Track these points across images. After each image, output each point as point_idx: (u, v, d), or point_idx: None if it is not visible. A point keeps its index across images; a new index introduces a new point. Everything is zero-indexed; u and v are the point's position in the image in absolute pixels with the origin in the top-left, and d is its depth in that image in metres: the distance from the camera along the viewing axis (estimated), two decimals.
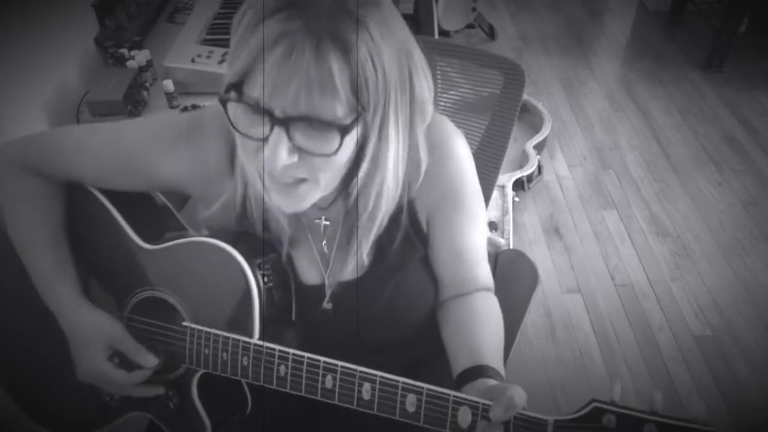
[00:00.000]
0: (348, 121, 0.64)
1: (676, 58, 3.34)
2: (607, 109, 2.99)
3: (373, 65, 0.62)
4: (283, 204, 0.72)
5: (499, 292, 0.91)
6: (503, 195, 2.22)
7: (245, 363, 0.76)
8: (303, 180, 0.69)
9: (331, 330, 0.87)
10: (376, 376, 0.69)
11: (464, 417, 0.65)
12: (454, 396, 0.65)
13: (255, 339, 0.76)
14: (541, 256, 2.24)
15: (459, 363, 0.78)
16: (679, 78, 3.18)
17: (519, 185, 2.40)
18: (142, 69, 1.68)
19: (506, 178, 2.30)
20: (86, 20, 1.77)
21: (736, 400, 1.76)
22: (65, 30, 1.66)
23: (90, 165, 0.86)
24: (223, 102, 0.66)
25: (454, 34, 3.44)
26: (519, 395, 0.63)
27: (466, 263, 0.87)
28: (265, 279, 0.78)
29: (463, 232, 0.86)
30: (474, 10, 3.36)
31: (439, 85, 1.17)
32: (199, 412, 0.83)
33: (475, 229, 0.87)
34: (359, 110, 0.64)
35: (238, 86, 0.64)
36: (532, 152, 2.44)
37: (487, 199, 1.12)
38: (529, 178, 2.43)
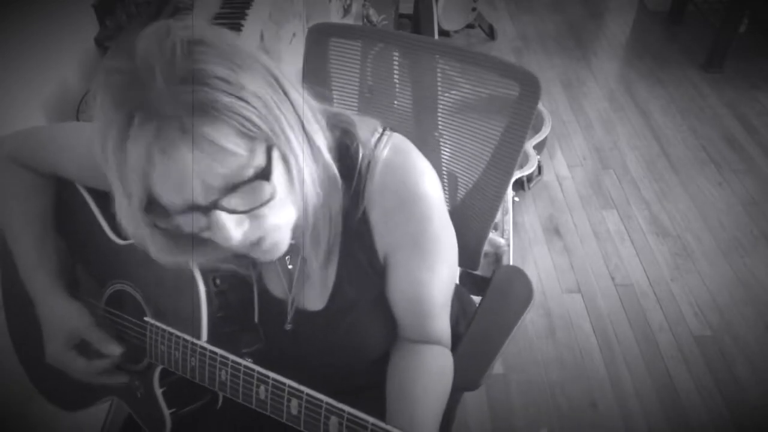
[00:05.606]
0: (263, 162, 0.61)
1: (676, 58, 3.34)
2: (607, 109, 2.99)
3: (242, 99, 0.59)
4: (261, 258, 0.71)
5: (488, 309, 0.89)
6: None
7: (193, 363, 0.77)
8: (263, 237, 0.68)
9: (291, 351, 0.87)
10: (302, 393, 0.68)
11: None
12: (373, 424, 0.64)
13: (203, 341, 0.77)
14: (541, 256, 2.24)
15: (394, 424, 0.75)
16: (679, 78, 3.18)
17: (519, 185, 2.40)
18: None
19: None
20: (86, 20, 1.77)
21: (736, 400, 1.76)
22: (65, 30, 1.66)
23: (73, 163, 0.87)
24: (155, 226, 0.65)
25: (454, 34, 3.44)
26: None
27: (420, 315, 0.84)
28: (217, 281, 0.79)
29: (419, 282, 0.82)
30: (474, 10, 3.37)
31: (449, 91, 1.16)
32: (160, 404, 0.85)
33: (433, 280, 0.82)
34: (266, 144, 0.61)
35: (152, 202, 0.62)
36: (532, 152, 2.44)
37: (495, 209, 1.10)
38: (529, 178, 2.43)
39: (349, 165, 0.76)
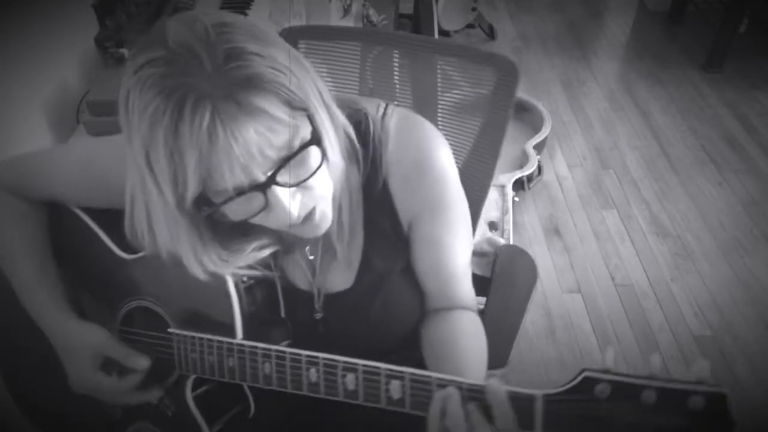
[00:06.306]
0: (307, 130, 0.64)
1: (676, 58, 3.34)
2: (607, 109, 2.99)
3: (278, 70, 0.61)
4: (311, 234, 0.73)
5: (499, 288, 0.90)
6: (503, 195, 2.22)
7: (231, 364, 0.75)
8: (314, 208, 0.70)
9: (323, 339, 0.85)
10: (358, 365, 0.67)
11: None
12: (437, 378, 0.64)
13: (238, 339, 0.76)
14: (541, 256, 2.23)
15: None
16: (679, 78, 3.18)
17: (519, 185, 2.40)
18: None
19: (506, 178, 2.30)
20: (86, 20, 1.77)
21: (736, 400, 1.75)
22: (65, 30, 1.66)
23: (67, 186, 0.87)
24: (213, 216, 0.66)
25: (454, 34, 3.44)
26: None
27: (445, 278, 0.85)
28: (244, 278, 0.78)
29: (442, 246, 0.83)
30: (474, 10, 3.37)
31: (430, 82, 1.17)
32: (196, 418, 0.83)
33: (455, 244, 0.84)
34: (307, 114, 0.64)
35: (204, 194, 0.63)
36: (532, 152, 2.44)
37: (483, 198, 1.11)
38: (529, 178, 2.43)
39: (363, 138, 0.78)
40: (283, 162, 0.63)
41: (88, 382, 0.84)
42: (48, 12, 1.57)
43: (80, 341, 0.83)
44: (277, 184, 0.63)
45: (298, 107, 0.63)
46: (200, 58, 0.58)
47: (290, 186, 0.65)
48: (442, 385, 0.63)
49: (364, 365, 0.67)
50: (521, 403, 0.60)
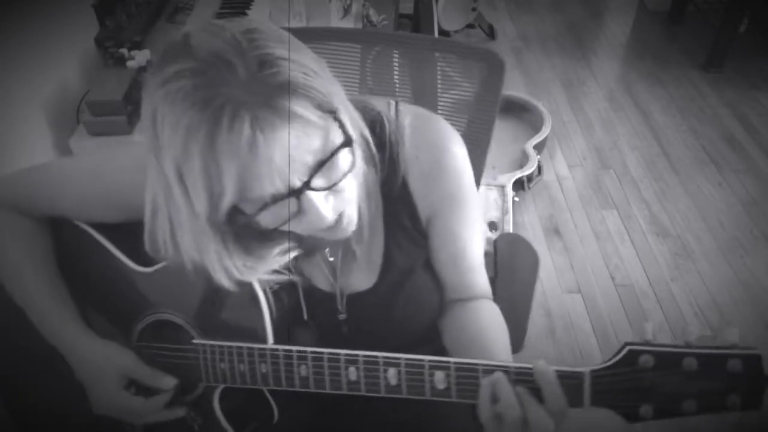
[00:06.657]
0: (338, 133, 0.63)
1: (676, 58, 3.34)
2: (607, 109, 2.99)
3: (307, 74, 0.61)
4: (338, 236, 0.72)
5: (504, 274, 0.90)
6: (503, 195, 2.22)
7: (264, 370, 0.74)
8: (342, 212, 0.69)
9: (347, 339, 0.85)
10: (399, 359, 0.67)
11: None
12: (484, 365, 0.64)
13: (270, 344, 0.74)
14: (541, 255, 2.22)
15: None
16: (679, 78, 3.18)
17: (519, 185, 2.40)
18: (142, 69, 1.68)
19: (506, 178, 2.30)
20: (86, 20, 1.77)
21: None
22: (65, 30, 1.66)
23: (75, 201, 0.84)
24: (246, 225, 0.65)
25: (454, 34, 3.44)
26: None
27: (464, 269, 0.86)
28: (271, 282, 0.77)
29: (460, 239, 0.85)
30: (474, 10, 3.37)
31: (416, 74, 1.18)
32: (226, 429, 0.81)
33: (472, 236, 0.86)
34: (334, 116, 0.64)
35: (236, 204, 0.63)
36: (532, 152, 2.44)
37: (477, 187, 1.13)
38: (529, 178, 2.43)
39: (379, 139, 0.78)
40: (318, 166, 0.62)
41: (114, 404, 0.82)
42: (48, 12, 1.57)
43: (105, 361, 0.81)
44: (312, 188, 0.63)
45: (327, 110, 0.62)
46: (233, 66, 0.57)
47: (324, 189, 0.64)
48: (489, 371, 0.64)
49: (406, 359, 0.67)
50: (570, 381, 0.62)
